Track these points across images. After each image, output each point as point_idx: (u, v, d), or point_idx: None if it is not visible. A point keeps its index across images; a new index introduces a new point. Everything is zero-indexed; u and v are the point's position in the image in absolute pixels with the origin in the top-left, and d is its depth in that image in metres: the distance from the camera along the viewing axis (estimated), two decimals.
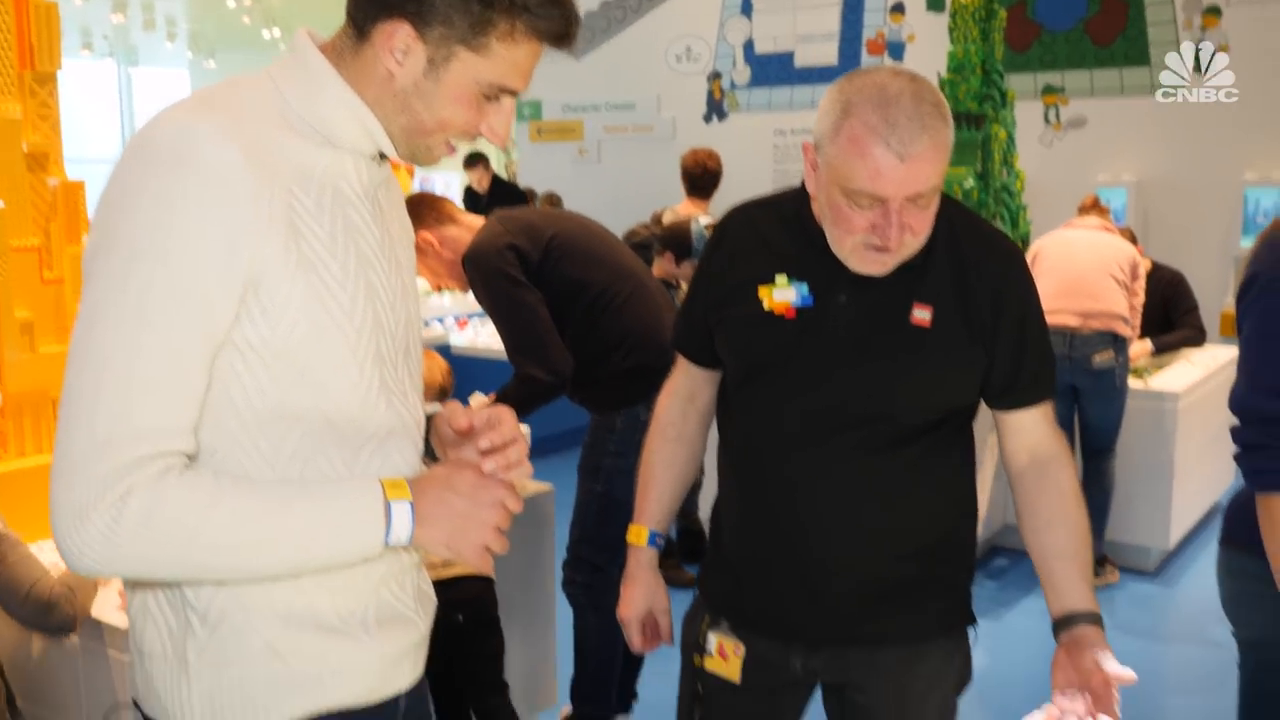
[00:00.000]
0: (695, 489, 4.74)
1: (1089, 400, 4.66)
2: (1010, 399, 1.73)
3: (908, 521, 1.70)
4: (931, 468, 1.71)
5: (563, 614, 3.24)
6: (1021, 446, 1.75)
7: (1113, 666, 1.53)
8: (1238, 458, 1.96)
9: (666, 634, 1.96)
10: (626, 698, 3.38)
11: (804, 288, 1.68)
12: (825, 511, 1.68)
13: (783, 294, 1.69)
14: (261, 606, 1.24)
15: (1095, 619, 1.62)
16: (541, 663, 3.36)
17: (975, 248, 1.69)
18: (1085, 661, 1.56)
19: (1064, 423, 4.70)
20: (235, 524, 1.16)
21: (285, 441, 1.23)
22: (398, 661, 1.36)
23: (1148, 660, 4.20)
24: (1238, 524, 2.09)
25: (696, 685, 1.86)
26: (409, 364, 1.38)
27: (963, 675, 1.83)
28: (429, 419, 1.46)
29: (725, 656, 1.79)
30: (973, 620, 1.83)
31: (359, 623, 1.30)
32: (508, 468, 1.31)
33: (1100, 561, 4.83)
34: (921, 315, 1.65)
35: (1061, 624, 1.64)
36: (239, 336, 1.19)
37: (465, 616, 2.69)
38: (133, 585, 1.28)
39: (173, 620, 1.26)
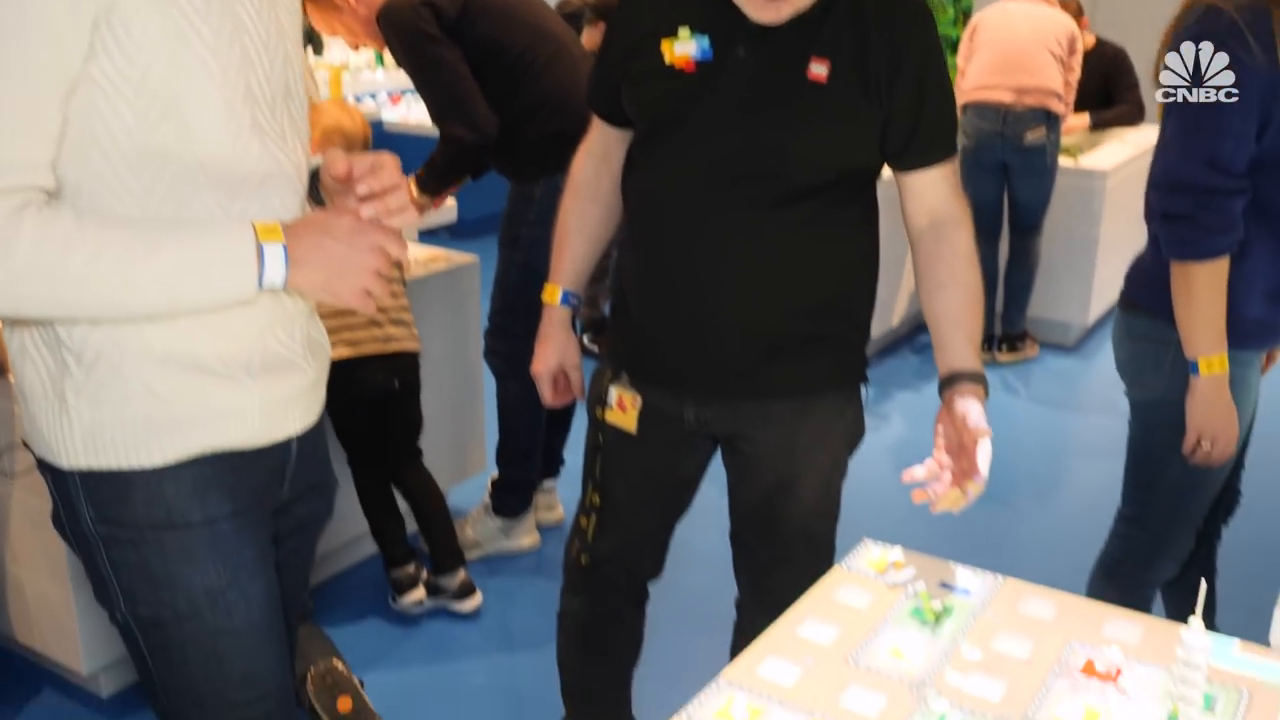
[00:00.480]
0: None
1: (1018, 177, 4.67)
2: (908, 159, 1.71)
3: (801, 277, 1.71)
4: (828, 225, 1.71)
5: (490, 383, 3.29)
6: (920, 209, 1.74)
7: (974, 419, 1.55)
8: (1160, 227, 1.96)
9: (577, 389, 2.00)
10: (554, 463, 3.48)
11: (705, 41, 1.65)
12: (718, 265, 1.69)
13: (683, 47, 1.65)
14: (136, 348, 1.24)
15: (978, 378, 1.64)
16: (469, 431, 3.44)
17: (879, 1, 1.65)
18: (958, 418, 1.59)
19: (994, 200, 4.73)
20: (100, 260, 1.14)
21: (157, 183, 1.21)
22: (286, 406, 1.38)
23: (1060, 428, 4.38)
24: (1139, 288, 2.13)
25: (598, 437, 1.91)
26: (289, 107, 1.34)
27: (853, 432, 1.88)
28: (318, 170, 1.42)
29: (624, 408, 1.83)
30: (864, 378, 1.87)
31: (242, 367, 1.31)
32: (388, 214, 1.29)
33: (1021, 336, 4.96)
34: (818, 70, 1.61)
35: (946, 382, 1.66)
36: (96, 71, 1.15)
37: (401, 384, 2.84)
38: (10, 326, 1.28)
39: (50, 360, 1.26)
